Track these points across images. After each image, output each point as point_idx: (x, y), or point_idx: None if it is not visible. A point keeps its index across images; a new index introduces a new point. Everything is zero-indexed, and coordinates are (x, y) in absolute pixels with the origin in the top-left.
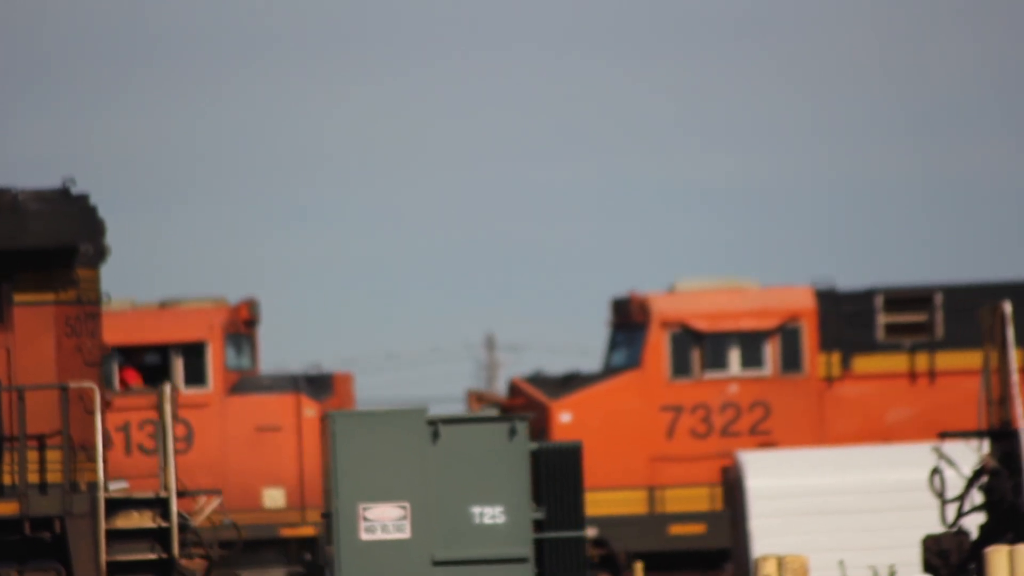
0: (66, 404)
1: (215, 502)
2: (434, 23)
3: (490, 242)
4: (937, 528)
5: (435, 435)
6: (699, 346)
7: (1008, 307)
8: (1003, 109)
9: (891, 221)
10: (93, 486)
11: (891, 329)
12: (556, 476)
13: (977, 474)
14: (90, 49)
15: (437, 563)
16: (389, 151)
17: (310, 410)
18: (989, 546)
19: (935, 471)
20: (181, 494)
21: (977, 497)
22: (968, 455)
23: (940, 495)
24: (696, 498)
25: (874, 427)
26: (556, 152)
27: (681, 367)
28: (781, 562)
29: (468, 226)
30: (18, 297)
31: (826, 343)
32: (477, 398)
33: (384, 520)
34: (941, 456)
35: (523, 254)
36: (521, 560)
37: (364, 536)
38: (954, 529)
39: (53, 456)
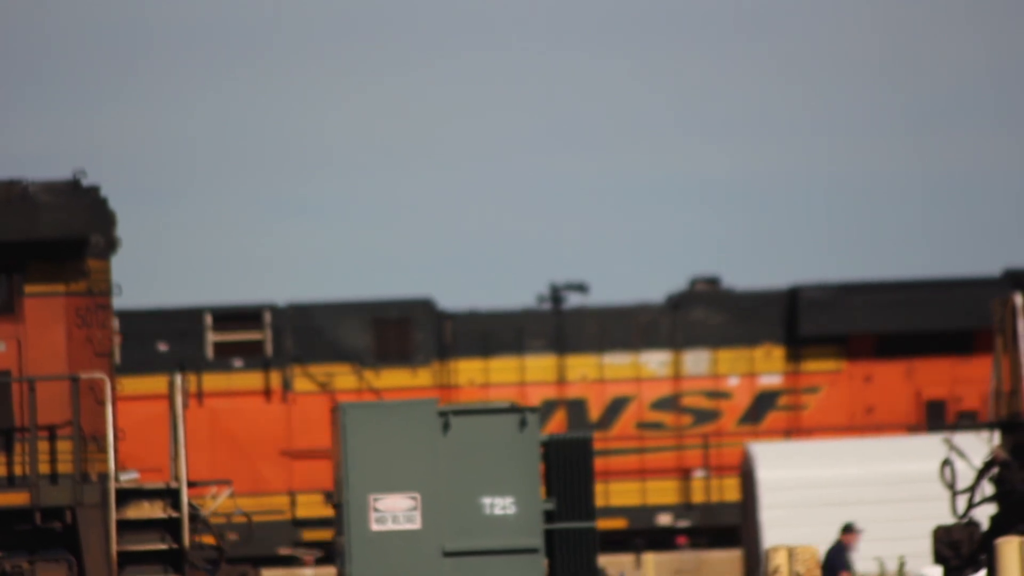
0: (77, 395)
1: (226, 492)
2: (431, 22)
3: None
4: (948, 519)
5: (446, 426)
6: None
7: (1019, 299)
8: (1002, 107)
9: (889, 217)
10: (104, 476)
11: None
12: (566, 467)
13: (988, 465)
14: (100, 43)
15: (448, 554)
16: (389, 148)
17: None
18: (1000, 537)
19: (946, 462)
20: (191, 484)
21: (988, 488)
22: (978, 446)
23: (951, 486)
24: None
25: None
26: (552, 148)
27: None
28: (792, 553)
29: (467, 223)
30: (29, 288)
31: None
32: None
33: (395, 511)
34: (952, 447)
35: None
36: (532, 551)
37: (375, 527)
38: (965, 520)
39: (64, 447)
